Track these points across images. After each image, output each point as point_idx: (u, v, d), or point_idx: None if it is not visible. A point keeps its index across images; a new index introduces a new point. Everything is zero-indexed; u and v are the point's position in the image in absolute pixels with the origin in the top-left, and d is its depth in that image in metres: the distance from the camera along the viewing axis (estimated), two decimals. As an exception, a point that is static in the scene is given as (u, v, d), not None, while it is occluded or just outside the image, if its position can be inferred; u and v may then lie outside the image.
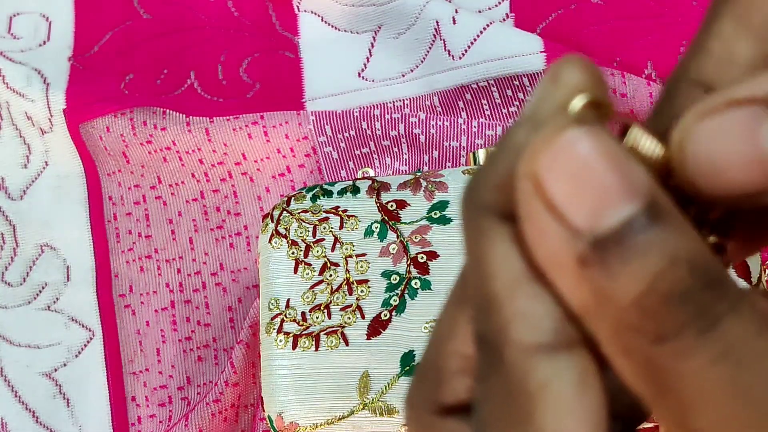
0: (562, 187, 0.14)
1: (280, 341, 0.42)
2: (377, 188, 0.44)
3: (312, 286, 0.42)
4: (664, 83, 0.17)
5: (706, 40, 0.16)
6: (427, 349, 0.18)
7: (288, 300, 0.42)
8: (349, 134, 0.52)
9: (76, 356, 0.51)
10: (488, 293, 0.15)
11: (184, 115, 0.52)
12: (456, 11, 0.53)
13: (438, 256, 0.42)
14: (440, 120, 0.51)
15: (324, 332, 0.42)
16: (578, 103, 0.15)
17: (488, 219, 0.15)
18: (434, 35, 0.53)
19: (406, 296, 0.41)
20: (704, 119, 0.14)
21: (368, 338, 0.41)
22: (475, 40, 0.52)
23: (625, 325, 0.14)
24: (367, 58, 0.55)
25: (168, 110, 0.52)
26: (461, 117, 0.52)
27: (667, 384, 0.14)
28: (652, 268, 0.13)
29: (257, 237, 0.52)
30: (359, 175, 0.49)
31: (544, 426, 0.14)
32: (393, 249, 0.42)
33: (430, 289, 0.41)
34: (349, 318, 0.42)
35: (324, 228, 0.43)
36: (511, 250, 0.15)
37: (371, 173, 0.50)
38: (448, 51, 0.52)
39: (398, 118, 0.51)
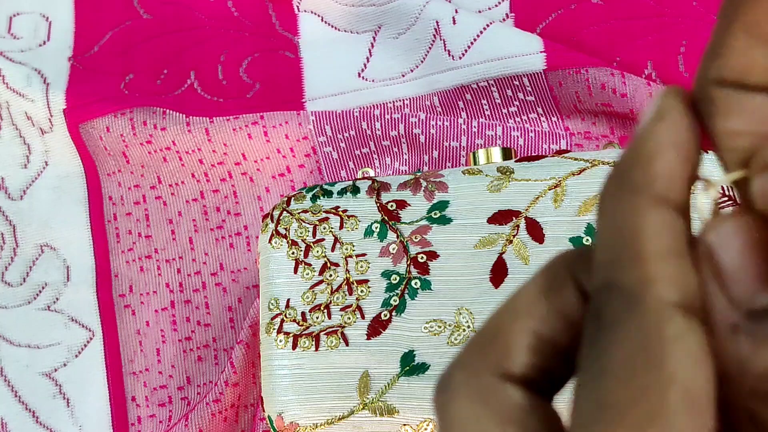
0: (731, 262, 0.16)
1: (280, 341, 0.42)
2: (377, 188, 0.44)
3: (312, 286, 0.42)
4: (693, 87, 0.18)
5: (721, 50, 0.17)
6: (495, 320, 0.19)
7: (288, 300, 0.42)
8: (349, 134, 0.52)
9: (76, 356, 0.51)
10: (636, 251, 0.16)
11: (184, 115, 0.52)
12: (456, 11, 0.53)
13: (438, 256, 0.42)
14: (440, 120, 0.51)
15: (324, 332, 0.42)
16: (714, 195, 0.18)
17: (648, 200, 0.17)
18: (434, 35, 0.53)
19: (406, 296, 0.41)
20: None
21: (368, 338, 0.41)
22: (475, 40, 0.52)
23: (756, 391, 0.16)
24: (367, 58, 0.55)
25: (168, 110, 0.52)
26: (461, 117, 0.52)
27: None
28: None
29: (257, 237, 0.52)
30: (359, 175, 0.49)
31: (675, 372, 0.15)
32: (393, 249, 0.42)
33: (430, 289, 0.41)
34: (349, 318, 0.42)
35: (324, 228, 0.43)
36: (667, 227, 0.17)
37: (371, 173, 0.50)
38: (448, 51, 0.52)
39: (398, 118, 0.51)
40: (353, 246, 0.43)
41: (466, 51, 0.52)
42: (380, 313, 0.41)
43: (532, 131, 0.51)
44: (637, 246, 0.16)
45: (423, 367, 0.40)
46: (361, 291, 0.42)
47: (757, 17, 0.17)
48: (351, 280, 0.42)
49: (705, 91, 0.18)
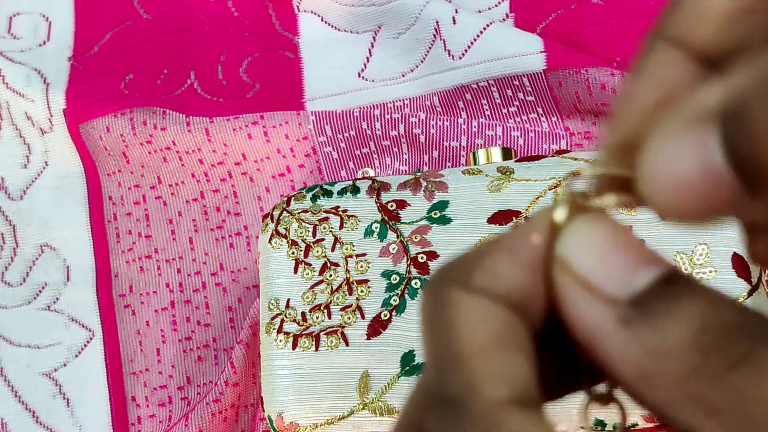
0: (588, 263, 0.15)
1: (280, 341, 0.42)
2: (377, 188, 0.44)
3: (312, 286, 0.42)
4: (641, 44, 0.17)
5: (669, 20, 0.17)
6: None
7: (288, 300, 0.42)
8: (349, 134, 0.52)
9: (76, 356, 0.51)
10: (455, 354, 0.15)
11: (184, 115, 0.52)
12: (456, 11, 0.53)
13: (438, 256, 0.42)
14: (440, 120, 0.51)
15: (324, 332, 0.42)
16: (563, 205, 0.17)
17: (456, 290, 0.16)
18: (434, 35, 0.53)
19: (406, 296, 0.41)
20: (660, 144, 0.15)
21: (368, 338, 0.41)
22: (475, 40, 0.52)
23: (689, 370, 0.14)
24: (367, 58, 0.55)
25: (168, 110, 0.52)
26: (461, 117, 0.52)
27: (748, 412, 0.14)
28: (698, 311, 0.15)
29: (257, 237, 0.52)
30: (359, 175, 0.49)
31: None
32: (393, 249, 0.42)
33: (430, 289, 0.41)
34: (349, 318, 0.42)
35: (324, 228, 0.43)
36: (486, 316, 0.15)
37: (371, 173, 0.50)
38: (448, 51, 0.52)
39: (398, 118, 0.51)
40: (353, 246, 0.43)
41: (466, 51, 0.52)
42: (380, 313, 0.41)
43: (532, 131, 0.51)
44: (454, 344, 0.15)
45: (423, 368, 0.40)
46: (361, 291, 0.42)
47: None
48: (351, 280, 0.42)
49: (647, 49, 0.17)
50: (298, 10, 0.57)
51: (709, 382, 0.14)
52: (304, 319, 0.42)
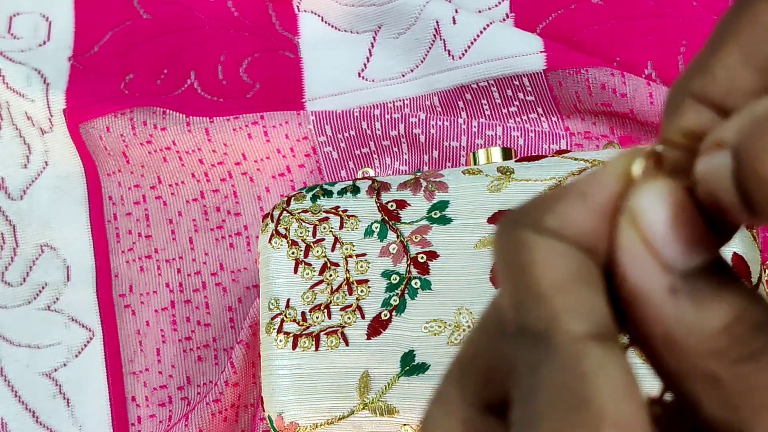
0: (658, 226, 0.16)
1: (280, 341, 0.42)
2: (377, 188, 0.44)
3: (312, 286, 0.42)
4: (669, 93, 0.18)
5: (712, 64, 0.17)
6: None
7: (288, 300, 0.42)
8: (349, 134, 0.52)
9: (76, 356, 0.51)
10: (535, 291, 0.16)
11: (184, 115, 0.52)
12: (456, 11, 0.53)
13: (438, 256, 0.42)
14: (440, 120, 0.51)
15: (324, 332, 0.42)
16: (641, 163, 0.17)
17: (529, 232, 0.17)
18: (434, 35, 0.53)
19: (406, 296, 0.41)
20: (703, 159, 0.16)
21: (368, 338, 0.41)
22: (475, 40, 0.52)
23: (711, 350, 0.16)
24: (367, 58, 0.55)
25: (168, 110, 0.52)
26: (461, 117, 0.52)
27: (750, 397, 0.16)
28: (737, 303, 0.16)
29: (257, 237, 0.52)
30: (359, 175, 0.49)
31: (603, 408, 0.15)
32: (393, 249, 0.42)
33: (430, 289, 0.41)
34: (349, 318, 0.42)
35: (324, 228, 0.43)
36: (559, 256, 0.16)
37: (371, 173, 0.50)
38: (448, 51, 0.52)
39: (398, 118, 0.51)
40: (353, 246, 0.43)
41: (466, 51, 0.52)
42: (380, 313, 0.41)
43: (532, 131, 0.51)
44: (532, 282, 0.16)
45: (423, 367, 0.40)
46: (361, 291, 0.42)
47: (754, 38, 0.17)
48: (351, 280, 0.42)
49: (678, 99, 0.18)
50: (298, 10, 0.57)
51: (727, 365, 0.16)
52: (304, 319, 0.42)
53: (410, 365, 0.40)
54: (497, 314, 0.17)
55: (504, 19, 0.55)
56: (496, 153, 0.46)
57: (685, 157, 0.17)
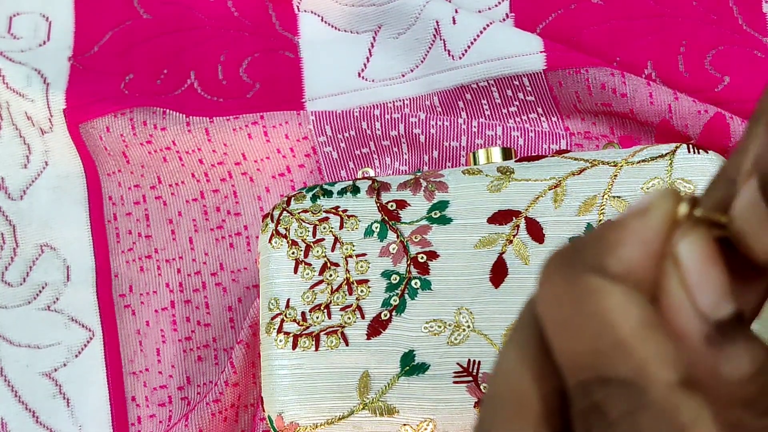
0: (695, 272, 0.17)
1: (280, 341, 0.42)
2: (377, 188, 0.44)
3: (312, 286, 0.42)
4: (709, 183, 0.19)
5: (746, 141, 0.18)
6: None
7: (288, 300, 0.42)
8: (349, 134, 0.52)
9: (76, 356, 0.51)
10: (615, 340, 0.16)
11: (184, 115, 0.52)
12: (456, 11, 0.53)
13: (438, 256, 0.42)
14: (440, 120, 0.51)
15: (324, 332, 0.42)
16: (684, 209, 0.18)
17: (597, 278, 0.17)
18: (434, 35, 0.53)
19: (406, 296, 0.41)
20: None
21: (368, 338, 0.41)
22: (475, 40, 0.52)
23: (740, 400, 0.16)
24: (367, 58, 0.55)
25: (168, 110, 0.52)
26: (461, 117, 0.52)
27: None
28: (761, 353, 0.16)
29: (257, 237, 0.52)
30: (359, 175, 0.49)
31: None
32: (393, 249, 0.42)
33: (430, 289, 0.41)
34: (349, 318, 0.42)
35: (324, 228, 0.43)
36: (631, 303, 0.16)
37: (371, 173, 0.50)
38: (448, 51, 0.52)
39: (398, 118, 0.51)
40: (353, 246, 0.43)
41: (466, 51, 0.52)
42: (380, 313, 0.41)
43: (532, 131, 0.51)
44: (610, 330, 0.16)
45: (423, 367, 0.40)
46: (361, 291, 0.42)
47: None
48: (351, 280, 0.42)
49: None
50: (298, 10, 0.57)
51: (755, 416, 0.16)
52: (304, 319, 0.42)
53: (410, 365, 0.40)
54: (545, 358, 0.17)
55: (504, 19, 0.55)
56: (496, 153, 0.46)
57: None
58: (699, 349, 0.16)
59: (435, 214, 0.42)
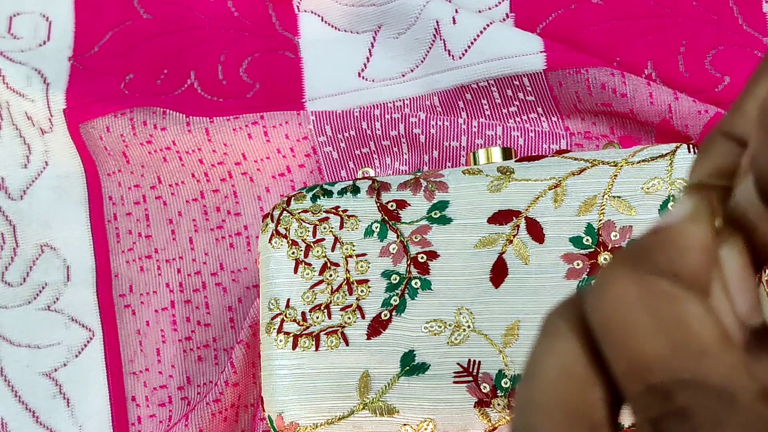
0: (736, 278, 0.17)
1: (280, 341, 0.42)
2: (377, 188, 0.44)
3: (312, 286, 0.42)
4: (705, 136, 0.19)
5: (743, 99, 0.18)
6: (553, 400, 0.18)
7: (288, 300, 0.42)
8: (349, 134, 0.52)
9: (76, 356, 0.51)
10: (700, 347, 0.16)
11: (184, 115, 0.52)
12: (456, 11, 0.53)
13: (438, 255, 0.42)
14: (440, 120, 0.51)
15: (324, 332, 0.42)
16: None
17: (677, 284, 0.17)
18: (434, 35, 0.53)
19: (406, 296, 0.41)
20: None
21: (368, 338, 0.41)
22: (475, 40, 0.52)
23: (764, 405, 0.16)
24: (367, 58, 0.55)
25: (168, 110, 0.52)
26: (461, 117, 0.52)
27: None
28: None
29: (257, 237, 0.52)
30: (359, 175, 0.49)
31: None
32: (393, 249, 0.42)
33: (430, 289, 0.41)
34: (349, 318, 0.42)
35: (324, 228, 0.43)
36: (709, 313, 0.17)
37: (371, 173, 0.50)
38: (448, 51, 0.52)
39: (398, 118, 0.51)
40: (353, 246, 0.43)
41: (466, 51, 0.52)
42: (380, 313, 0.41)
43: (532, 131, 0.51)
44: (695, 337, 0.16)
45: (423, 367, 0.40)
46: (361, 291, 0.42)
47: None
48: (351, 280, 0.42)
49: (709, 139, 0.19)
50: (298, 10, 0.57)
51: None
52: (304, 319, 0.42)
53: (410, 365, 0.40)
54: (658, 368, 0.17)
55: (504, 19, 0.55)
56: (496, 153, 0.46)
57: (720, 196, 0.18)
58: (729, 353, 0.16)
59: (435, 214, 0.42)
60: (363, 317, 0.41)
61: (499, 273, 0.41)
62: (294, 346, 0.42)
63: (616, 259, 0.17)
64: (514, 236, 0.41)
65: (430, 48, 0.53)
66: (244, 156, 0.52)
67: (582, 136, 0.51)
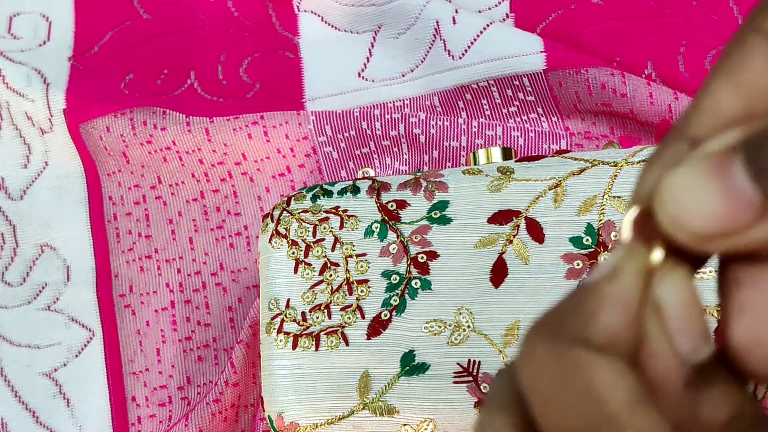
0: (676, 317, 0.16)
1: (280, 341, 0.42)
2: (377, 188, 0.44)
3: (312, 286, 0.42)
4: (662, 138, 0.18)
5: (700, 98, 0.18)
6: None
7: (288, 300, 0.42)
8: (349, 134, 0.52)
9: (76, 356, 0.51)
10: (607, 414, 0.16)
11: (184, 115, 0.52)
12: (456, 11, 0.53)
13: (438, 256, 0.42)
14: (440, 120, 0.51)
15: (324, 332, 0.42)
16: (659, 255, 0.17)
17: (582, 351, 0.16)
18: (434, 35, 0.53)
19: (406, 296, 0.41)
20: (674, 171, 0.16)
21: (368, 338, 0.41)
22: (475, 40, 0.52)
23: None
24: (367, 58, 0.55)
25: (168, 110, 0.52)
26: (461, 117, 0.52)
27: None
28: (738, 397, 0.16)
29: (257, 237, 0.52)
30: (359, 175, 0.49)
31: None
32: (393, 249, 0.42)
33: (430, 289, 0.41)
34: (349, 318, 0.42)
35: (324, 228, 0.43)
36: (618, 375, 0.16)
37: (371, 173, 0.50)
38: (448, 51, 0.52)
39: (398, 118, 0.51)
40: (353, 246, 0.43)
41: (466, 51, 0.52)
42: (380, 313, 0.41)
43: (532, 131, 0.51)
44: (601, 405, 0.16)
45: (423, 367, 0.40)
46: (361, 291, 0.42)
47: (739, 63, 0.17)
48: (351, 280, 0.42)
49: (667, 139, 0.18)
50: (298, 10, 0.57)
51: None
52: (304, 319, 0.42)
53: (410, 365, 0.40)
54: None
55: (504, 19, 0.55)
56: (496, 153, 0.46)
57: None
58: (679, 394, 0.16)
59: (435, 214, 0.42)
60: (363, 317, 0.41)
61: (499, 273, 0.41)
62: (294, 346, 0.42)
63: (535, 328, 0.17)
64: (514, 236, 0.41)
65: (430, 48, 0.53)
66: (244, 156, 0.52)
67: (582, 136, 0.51)
